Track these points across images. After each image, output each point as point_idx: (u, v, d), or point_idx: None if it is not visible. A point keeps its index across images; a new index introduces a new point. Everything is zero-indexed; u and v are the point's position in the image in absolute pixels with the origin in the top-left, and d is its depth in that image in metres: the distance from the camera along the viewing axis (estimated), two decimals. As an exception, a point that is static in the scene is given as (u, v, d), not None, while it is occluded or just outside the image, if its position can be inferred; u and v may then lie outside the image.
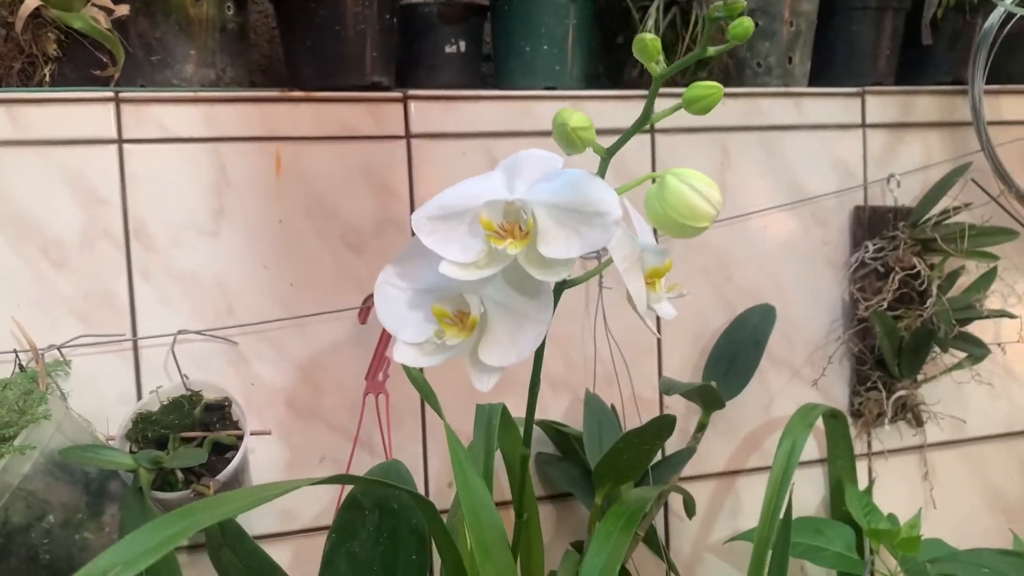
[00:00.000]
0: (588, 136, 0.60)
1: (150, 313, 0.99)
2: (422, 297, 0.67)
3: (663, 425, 0.91)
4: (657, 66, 0.61)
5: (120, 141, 0.98)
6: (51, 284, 0.96)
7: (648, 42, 0.60)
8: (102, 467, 0.87)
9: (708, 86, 0.61)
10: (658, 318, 1.17)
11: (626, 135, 0.63)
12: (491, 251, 0.61)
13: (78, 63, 0.98)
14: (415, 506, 0.82)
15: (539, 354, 0.71)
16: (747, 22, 0.58)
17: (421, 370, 0.86)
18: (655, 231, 0.90)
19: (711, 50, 0.60)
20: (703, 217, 0.61)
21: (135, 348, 0.99)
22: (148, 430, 0.93)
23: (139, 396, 0.99)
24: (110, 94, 0.97)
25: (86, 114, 0.97)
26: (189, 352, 1.00)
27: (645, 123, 0.62)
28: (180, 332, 0.98)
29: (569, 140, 0.60)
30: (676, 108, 0.63)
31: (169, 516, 0.60)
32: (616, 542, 0.88)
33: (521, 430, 0.95)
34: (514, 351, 0.62)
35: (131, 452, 0.92)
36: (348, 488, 1.03)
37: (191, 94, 1.00)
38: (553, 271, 0.60)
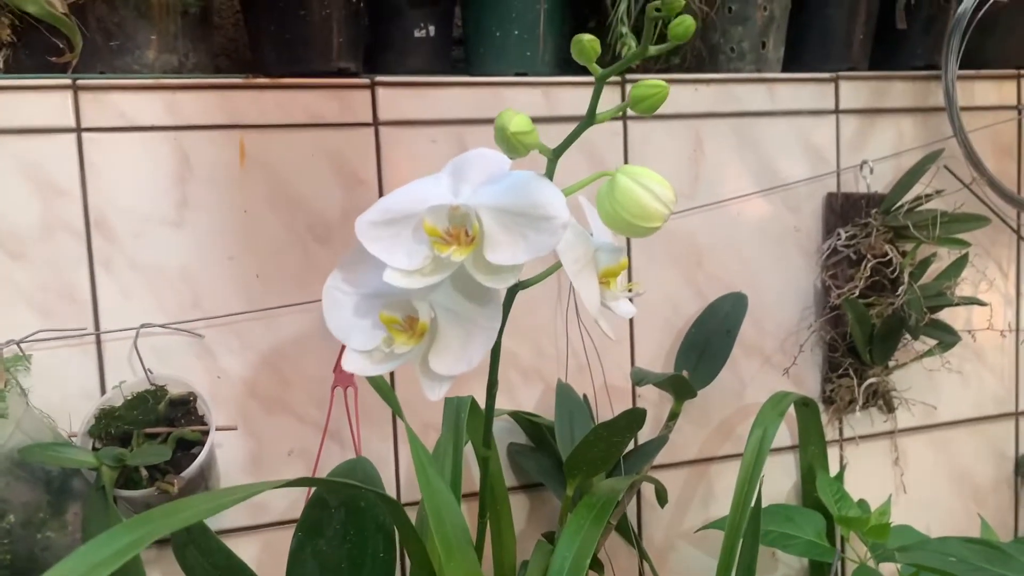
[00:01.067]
0: (529, 140, 0.58)
1: (113, 306, 0.97)
2: (369, 303, 0.65)
3: (633, 418, 0.90)
4: (598, 67, 0.60)
5: (79, 130, 0.95)
6: (9, 277, 0.94)
7: (585, 43, 0.59)
8: (64, 466, 0.85)
9: (653, 84, 0.60)
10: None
11: (571, 136, 0.62)
12: (436, 258, 0.59)
13: (33, 49, 0.95)
14: (383, 505, 0.81)
15: (495, 356, 0.70)
16: (688, 20, 0.57)
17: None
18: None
19: (652, 49, 0.59)
20: (654, 217, 0.60)
21: (98, 342, 0.97)
22: (111, 426, 0.91)
23: (102, 391, 0.97)
24: (68, 81, 0.94)
25: (43, 102, 0.94)
26: (153, 345, 0.98)
27: (590, 124, 0.61)
28: (143, 325, 0.97)
29: (510, 145, 0.58)
30: (620, 108, 0.62)
31: (129, 523, 0.59)
32: (587, 534, 0.88)
33: (496, 421, 0.95)
34: (464, 359, 0.61)
35: (94, 449, 0.91)
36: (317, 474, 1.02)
37: (152, 81, 0.97)
38: (500, 277, 0.59)
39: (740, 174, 1.19)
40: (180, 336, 0.99)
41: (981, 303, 1.21)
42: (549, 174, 0.61)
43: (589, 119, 0.61)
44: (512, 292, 0.63)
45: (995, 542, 0.97)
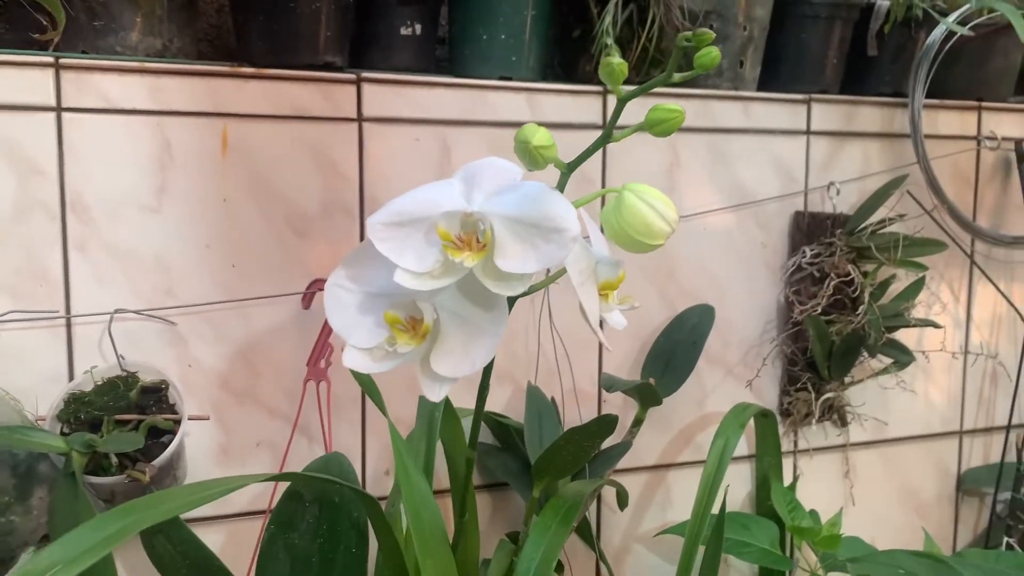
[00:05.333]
0: (550, 154, 0.60)
1: (85, 290, 0.96)
2: (373, 301, 0.66)
3: (605, 424, 0.92)
4: (622, 89, 0.62)
5: (59, 109, 0.94)
6: (-20, 256, 0.92)
7: (615, 67, 0.60)
8: (33, 450, 0.84)
9: (670, 109, 0.62)
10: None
11: (588, 152, 0.64)
12: (447, 262, 0.60)
13: (15, 25, 0.93)
14: (357, 500, 0.82)
15: (489, 362, 0.71)
16: (714, 52, 0.59)
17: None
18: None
19: (677, 76, 0.60)
20: (658, 235, 0.62)
21: (68, 325, 0.96)
22: (81, 411, 0.90)
23: (71, 376, 0.96)
24: (50, 59, 0.93)
25: (23, 79, 0.92)
26: (126, 331, 0.97)
27: (607, 141, 0.62)
28: (117, 311, 0.96)
29: (532, 158, 0.60)
30: (636, 129, 0.63)
31: (110, 514, 0.59)
32: (554, 536, 0.90)
33: (464, 421, 0.96)
34: (467, 362, 0.62)
35: (62, 434, 0.90)
36: (286, 468, 1.02)
37: (136, 64, 0.96)
38: (509, 285, 0.60)
39: (713, 189, 1.21)
40: (153, 323, 0.98)
41: (937, 325, 1.25)
42: (561, 187, 0.63)
43: (607, 136, 0.63)
44: (512, 299, 0.64)
45: (940, 555, 1.01)
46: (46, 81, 0.93)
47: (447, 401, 0.96)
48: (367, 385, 0.80)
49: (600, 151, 1.13)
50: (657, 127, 0.62)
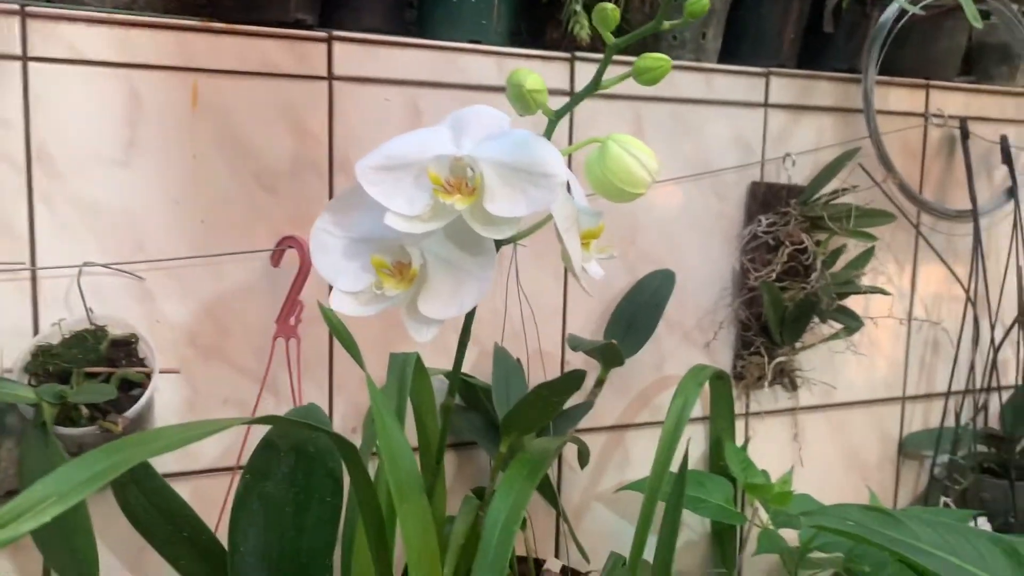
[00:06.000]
0: (542, 99, 0.62)
1: (51, 243, 0.95)
2: (359, 247, 0.67)
3: (572, 380, 0.94)
4: (612, 36, 0.63)
5: (25, 58, 0.92)
6: (-57, 206, 0.91)
7: (609, 12, 0.62)
8: (3, 400, 0.84)
9: (657, 58, 0.65)
10: (566, 279, 1.21)
11: (575, 99, 0.66)
12: (437, 205, 0.62)
13: (-20, -29, 0.92)
14: (333, 448, 0.83)
15: (470, 312, 0.73)
16: (705, 1, 0.61)
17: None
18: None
19: (666, 24, 0.63)
20: (640, 184, 0.64)
21: (33, 279, 0.95)
22: (49, 364, 0.90)
23: (36, 330, 0.95)
24: (15, 6, 0.91)
25: (-12, 26, 0.91)
26: (93, 285, 0.96)
27: (595, 89, 0.64)
28: (86, 264, 0.95)
29: (524, 102, 0.62)
30: (625, 76, 0.65)
31: (100, 450, 0.59)
32: (521, 489, 0.92)
33: (432, 380, 0.98)
34: (455, 304, 0.64)
35: (30, 385, 0.89)
36: (254, 430, 1.03)
37: (106, 15, 0.95)
38: (498, 228, 0.62)
39: (675, 158, 1.24)
40: (120, 278, 0.98)
41: (885, 292, 1.31)
42: (548, 134, 0.65)
43: (595, 84, 0.65)
44: (497, 245, 0.66)
45: (888, 509, 1.06)
46: (12, 29, 0.92)
47: (418, 358, 0.98)
48: (344, 337, 0.81)
49: (567, 118, 1.16)
50: (645, 75, 0.64)
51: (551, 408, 0.98)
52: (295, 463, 0.84)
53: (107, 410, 0.88)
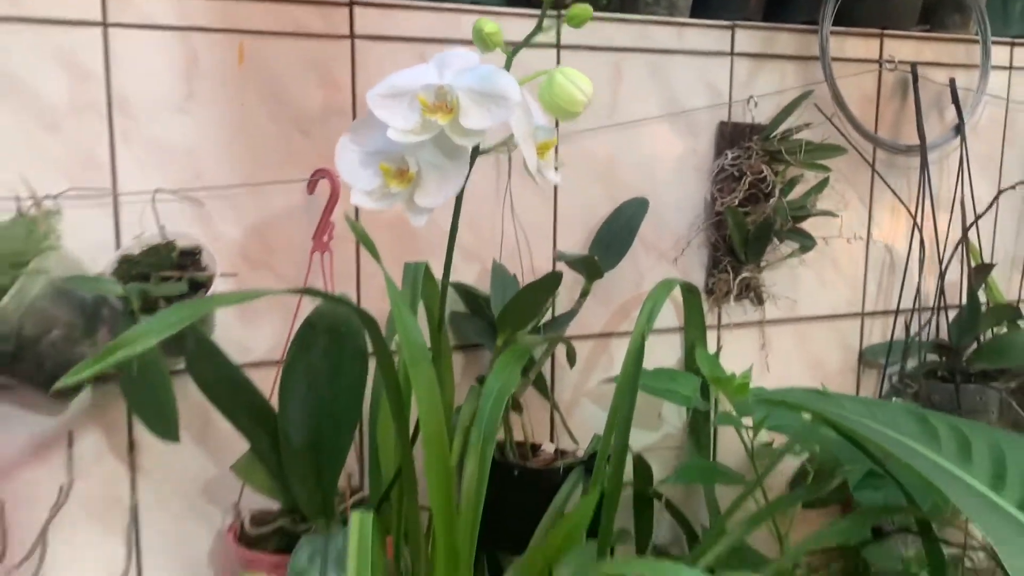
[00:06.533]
0: (496, 39, 0.83)
1: (129, 175, 1.17)
2: (371, 158, 0.89)
3: (552, 279, 1.16)
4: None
5: (105, 24, 1.14)
6: (44, 146, 1.13)
7: None
8: (100, 292, 1.07)
9: (582, 8, 0.85)
10: (556, 205, 1.42)
11: (525, 40, 0.86)
12: (425, 121, 0.83)
13: (68, -47, 1.13)
14: (360, 330, 1.05)
15: (456, 213, 0.95)
16: None
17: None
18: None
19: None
20: (578, 104, 0.85)
21: (115, 202, 1.18)
22: (131, 269, 1.12)
23: (117, 245, 1.18)
24: (97, -18, 1.13)
25: (75, -2, 1.13)
26: (162, 210, 1.19)
27: (537, 33, 0.85)
28: (158, 190, 1.17)
29: (483, 42, 0.83)
30: (554, 19, 0.86)
31: (175, 307, 0.81)
32: (511, 369, 1.13)
33: (439, 286, 1.19)
34: (441, 196, 0.86)
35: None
36: (296, 328, 1.25)
37: (168, -13, 1.17)
38: (470, 138, 0.84)
39: (651, 101, 1.44)
40: (184, 204, 1.20)
41: (833, 215, 1.50)
42: (507, 67, 0.86)
43: (537, 28, 0.86)
44: (474, 155, 0.87)
45: (825, 390, 1.26)
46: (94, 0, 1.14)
47: (427, 266, 1.20)
48: (366, 241, 1.03)
49: (554, 65, 1.36)
50: (573, 20, 0.84)
51: (536, 304, 1.20)
52: (329, 341, 1.06)
53: (180, 304, 1.11)
